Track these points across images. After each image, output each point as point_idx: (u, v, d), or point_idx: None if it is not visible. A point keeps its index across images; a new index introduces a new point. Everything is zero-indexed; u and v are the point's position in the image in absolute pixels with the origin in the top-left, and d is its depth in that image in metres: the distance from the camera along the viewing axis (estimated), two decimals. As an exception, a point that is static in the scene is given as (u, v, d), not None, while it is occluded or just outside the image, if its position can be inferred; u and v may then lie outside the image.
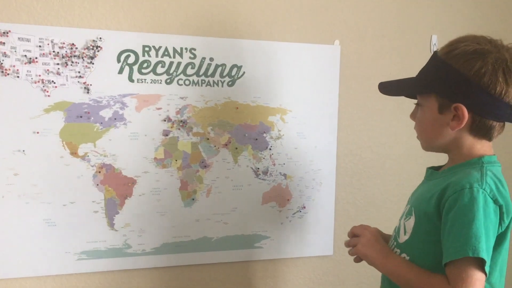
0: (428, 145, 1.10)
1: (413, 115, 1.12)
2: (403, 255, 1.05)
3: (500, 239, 0.97)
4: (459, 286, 0.90)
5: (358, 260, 1.16)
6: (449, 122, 1.00)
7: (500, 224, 0.95)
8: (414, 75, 1.20)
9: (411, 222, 1.06)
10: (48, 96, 1.30)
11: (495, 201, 0.94)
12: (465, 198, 0.93)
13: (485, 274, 0.91)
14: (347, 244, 1.19)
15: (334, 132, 1.58)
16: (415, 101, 1.14)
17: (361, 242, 1.13)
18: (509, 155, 1.78)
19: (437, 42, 1.68)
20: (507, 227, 0.97)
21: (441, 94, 1.00)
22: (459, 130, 1.00)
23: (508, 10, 1.77)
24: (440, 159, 1.23)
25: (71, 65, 1.31)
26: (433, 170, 1.13)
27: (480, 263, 0.90)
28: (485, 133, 1.01)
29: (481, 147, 1.02)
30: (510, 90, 0.95)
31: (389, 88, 1.16)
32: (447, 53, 1.00)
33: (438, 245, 0.97)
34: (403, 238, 1.07)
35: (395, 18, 1.63)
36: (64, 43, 1.30)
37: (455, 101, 0.98)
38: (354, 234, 1.18)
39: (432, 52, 1.64)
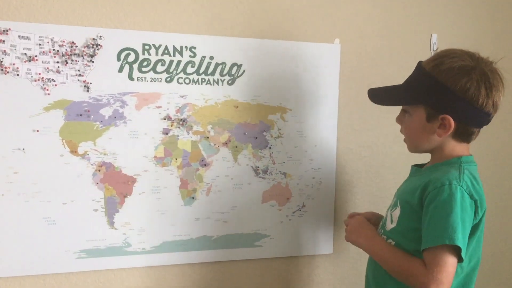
0: (415, 149, 1.23)
1: (399, 120, 1.24)
2: (389, 240, 1.19)
3: (473, 230, 1.09)
4: (434, 269, 1.03)
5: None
6: (435, 130, 1.13)
7: (475, 216, 1.08)
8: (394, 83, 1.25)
9: (397, 212, 1.20)
10: (48, 94, 1.30)
11: (471, 196, 1.07)
12: (444, 194, 1.06)
13: (461, 259, 1.05)
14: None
15: (334, 131, 1.58)
16: None
17: (348, 230, 1.30)
18: (484, 156, 1.81)
19: (437, 41, 1.68)
20: (481, 219, 1.11)
21: (429, 105, 1.12)
22: (444, 136, 1.13)
23: (508, 9, 1.77)
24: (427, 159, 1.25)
25: (71, 63, 1.30)
26: (417, 168, 1.27)
27: (454, 251, 1.03)
28: (466, 138, 1.15)
29: (461, 149, 1.16)
30: (489, 102, 1.09)
31: (379, 97, 1.27)
32: (433, 68, 1.11)
33: (419, 232, 1.09)
34: (389, 226, 1.21)
35: (395, 17, 1.63)
36: (64, 41, 1.29)
37: (442, 112, 1.10)
38: (345, 224, 1.35)
39: (432, 51, 1.66)
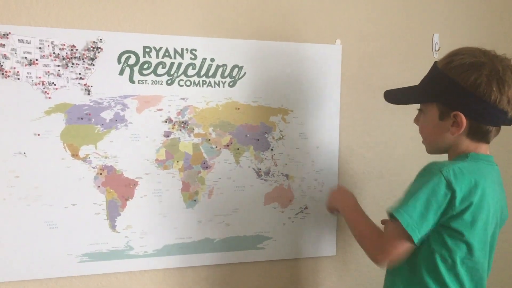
0: (432, 149, 1.21)
1: (416, 120, 1.24)
2: None
3: (453, 226, 1.06)
4: (385, 239, 1.11)
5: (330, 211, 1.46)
6: (449, 128, 1.11)
7: (449, 207, 1.05)
8: (415, 75, 1.27)
9: None
10: (49, 98, 1.29)
11: (449, 184, 1.04)
12: (423, 173, 1.10)
13: (410, 236, 1.04)
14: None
15: (336, 132, 1.57)
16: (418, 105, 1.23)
17: (333, 196, 1.42)
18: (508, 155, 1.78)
19: (438, 41, 1.67)
20: (460, 213, 1.05)
21: (441, 102, 1.12)
22: (458, 135, 1.11)
23: (508, 10, 1.76)
24: (443, 157, 1.24)
25: (72, 66, 1.30)
26: None
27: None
28: (482, 137, 1.12)
29: (475, 147, 1.13)
30: (503, 98, 1.06)
31: (393, 97, 1.27)
32: (445, 65, 1.11)
33: None
34: None
35: (397, 17, 1.62)
36: (64, 45, 1.29)
37: (454, 109, 1.09)
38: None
39: (434, 52, 1.66)
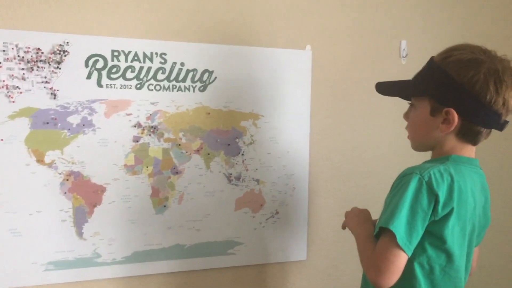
0: (418, 145, 1.16)
1: (406, 116, 1.17)
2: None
3: (434, 232, 1.02)
4: (376, 254, 1.01)
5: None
6: (439, 125, 1.06)
7: (433, 212, 1.00)
8: (385, 79, 1.24)
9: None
10: (13, 102, 1.26)
11: (430, 189, 0.99)
12: (402, 181, 1.03)
13: (403, 250, 0.98)
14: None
15: (306, 137, 1.58)
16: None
17: (348, 215, 1.27)
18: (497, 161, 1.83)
19: (406, 47, 1.70)
20: (442, 219, 1.01)
21: (434, 97, 1.06)
22: (447, 133, 1.06)
23: (475, 17, 1.81)
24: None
25: (37, 70, 1.27)
26: None
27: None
28: (471, 138, 1.07)
29: (461, 149, 1.08)
30: (499, 99, 1.01)
31: (385, 88, 1.21)
32: (442, 59, 1.06)
33: None
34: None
35: (366, 24, 1.64)
36: (29, 48, 1.26)
37: (447, 105, 1.03)
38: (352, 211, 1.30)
39: (402, 58, 1.69)
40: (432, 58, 1.10)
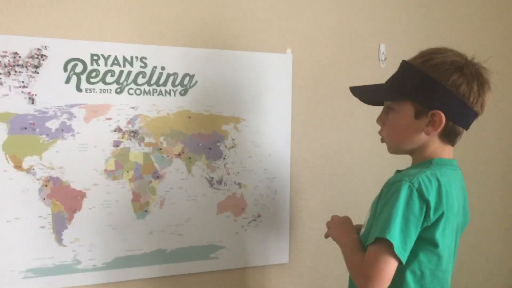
0: (397, 148, 1.16)
1: (380, 120, 1.17)
2: None
3: (425, 239, 1.03)
4: (366, 263, 1.00)
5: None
6: (423, 127, 1.07)
7: (425, 218, 1.01)
8: (364, 83, 1.25)
9: (367, 217, 1.15)
10: (-10, 107, 1.24)
11: (421, 195, 1.00)
12: (392, 190, 1.02)
13: (396, 257, 0.98)
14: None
15: (287, 140, 1.59)
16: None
17: (330, 225, 1.26)
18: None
19: (385, 51, 1.72)
20: (433, 223, 1.02)
21: (418, 100, 1.07)
22: (432, 135, 1.08)
23: (454, 21, 1.85)
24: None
25: (14, 74, 1.25)
26: (398, 171, 1.20)
27: (391, 247, 0.97)
28: (452, 139, 1.10)
29: (442, 151, 1.10)
30: (479, 100, 1.05)
31: (362, 93, 1.21)
32: (423, 63, 1.07)
33: None
34: (361, 231, 1.17)
35: (345, 28, 1.66)
36: (6, 52, 1.24)
37: (432, 108, 1.05)
38: (331, 219, 1.29)
39: (381, 61, 1.71)
40: (407, 62, 1.11)
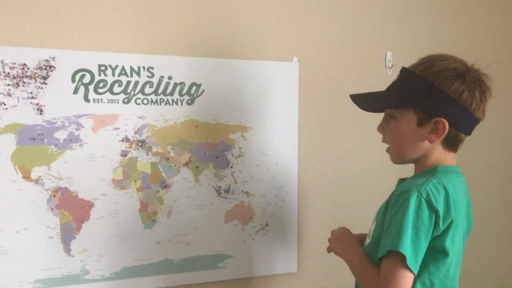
0: (401, 158, 1.14)
1: (382, 128, 1.16)
2: None
3: (435, 247, 1.02)
4: (382, 279, 0.99)
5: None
6: (426, 135, 1.06)
7: (435, 228, 1.00)
8: (371, 90, 1.23)
9: (373, 226, 1.14)
10: (-2, 118, 1.25)
11: (430, 205, 0.99)
12: (400, 200, 1.01)
13: (410, 270, 0.96)
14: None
15: (294, 148, 1.58)
16: (377, 114, 1.20)
17: (331, 240, 1.25)
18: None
19: (391, 58, 1.72)
20: (443, 232, 1.02)
21: (421, 108, 1.06)
22: (435, 143, 1.07)
23: (460, 27, 1.84)
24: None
25: (23, 85, 1.26)
26: (401, 180, 1.20)
27: (404, 260, 0.96)
28: (454, 146, 1.09)
29: (445, 158, 1.09)
30: (481, 107, 1.05)
31: (362, 101, 1.20)
32: (425, 70, 1.06)
33: None
34: (366, 241, 1.16)
35: (351, 35, 1.66)
36: (15, 63, 1.25)
37: (435, 115, 1.04)
38: (331, 233, 1.28)
39: (387, 69, 1.70)
40: (408, 69, 1.10)
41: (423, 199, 0.99)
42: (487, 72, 1.07)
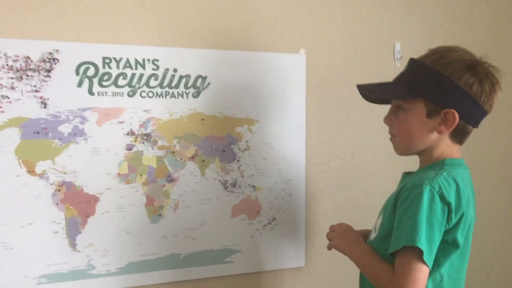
0: (407, 149, 1.13)
1: (389, 120, 1.15)
2: None
3: (448, 239, 1.02)
4: (399, 274, 0.98)
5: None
6: (435, 126, 1.06)
7: (447, 221, 1.00)
8: (379, 81, 1.22)
9: (379, 221, 1.14)
10: (2, 112, 1.23)
11: (443, 199, 0.99)
12: (413, 194, 1.00)
13: (426, 264, 0.96)
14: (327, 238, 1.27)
15: (302, 141, 1.56)
16: (386, 107, 1.18)
17: (333, 236, 1.23)
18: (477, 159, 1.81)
19: (400, 50, 1.69)
20: (455, 227, 1.02)
21: (431, 99, 1.05)
22: (443, 135, 1.06)
23: (469, 19, 1.81)
24: (410, 166, 1.24)
25: (27, 79, 1.24)
26: (406, 174, 1.20)
27: (420, 254, 0.96)
28: (462, 138, 1.09)
29: (451, 151, 1.09)
30: (490, 99, 1.05)
31: (369, 91, 1.19)
32: (435, 61, 1.05)
33: None
34: (372, 235, 1.16)
35: (359, 26, 1.63)
36: (18, 56, 1.23)
37: (445, 106, 1.03)
38: (331, 230, 1.27)
39: (396, 60, 1.68)
40: (417, 60, 1.09)
41: (435, 193, 0.99)
42: (496, 65, 1.07)
